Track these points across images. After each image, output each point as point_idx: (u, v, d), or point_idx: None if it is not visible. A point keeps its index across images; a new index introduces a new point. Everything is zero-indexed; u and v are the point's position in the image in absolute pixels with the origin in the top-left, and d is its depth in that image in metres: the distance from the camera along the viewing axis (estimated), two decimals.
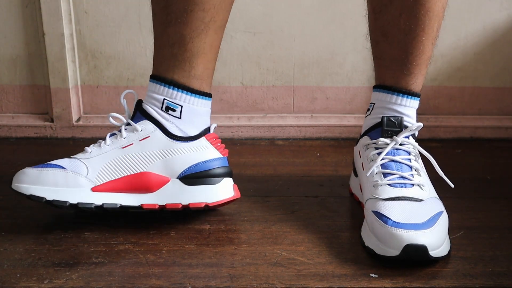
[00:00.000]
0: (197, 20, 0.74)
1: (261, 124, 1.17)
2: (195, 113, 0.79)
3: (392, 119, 0.79)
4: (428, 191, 0.75)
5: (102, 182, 0.76)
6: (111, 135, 0.79)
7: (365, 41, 1.15)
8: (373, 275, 0.67)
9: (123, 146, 0.78)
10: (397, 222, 0.68)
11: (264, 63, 1.16)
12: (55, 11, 1.10)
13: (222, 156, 0.81)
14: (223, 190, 0.80)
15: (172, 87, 0.77)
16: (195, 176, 0.79)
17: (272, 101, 1.17)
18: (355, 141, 0.86)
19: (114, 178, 0.77)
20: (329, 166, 1.02)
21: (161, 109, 0.78)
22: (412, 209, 0.71)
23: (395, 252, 0.67)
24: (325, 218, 0.81)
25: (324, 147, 1.13)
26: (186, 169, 0.78)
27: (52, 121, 1.17)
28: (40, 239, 0.75)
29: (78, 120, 1.18)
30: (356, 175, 0.85)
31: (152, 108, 0.78)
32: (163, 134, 0.78)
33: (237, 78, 1.16)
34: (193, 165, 0.79)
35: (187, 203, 0.78)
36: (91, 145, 0.79)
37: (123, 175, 0.77)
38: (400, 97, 0.80)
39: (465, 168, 1.01)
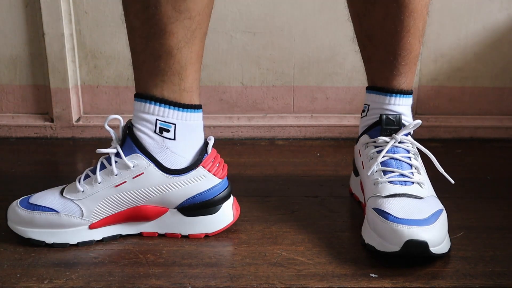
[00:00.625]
0: (184, 29, 0.70)
1: (261, 124, 1.17)
2: (189, 129, 0.75)
3: (390, 117, 0.79)
4: (427, 190, 0.76)
5: (98, 220, 0.74)
6: (101, 169, 0.74)
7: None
8: (373, 275, 0.67)
9: (116, 185, 0.73)
10: (398, 218, 0.68)
11: (264, 63, 1.15)
12: (55, 11, 1.10)
13: (220, 180, 0.77)
14: (222, 218, 0.77)
15: (163, 104, 0.73)
16: (193, 208, 0.76)
17: (272, 101, 1.17)
18: (355, 140, 0.86)
19: (110, 214, 0.75)
20: (329, 166, 1.02)
21: (155, 132, 0.73)
22: (413, 205, 0.71)
23: (395, 247, 0.67)
24: (325, 218, 0.81)
25: (324, 147, 1.13)
26: (184, 201, 0.76)
27: (52, 121, 1.17)
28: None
29: (78, 120, 1.18)
30: (356, 174, 0.85)
31: (144, 134, 0.73)
32: (157, 169, 0.73)
33: (237, 78, 1.16)
34: (191, 197, 0.76)
35: (187, 234, 0.77)
36: (82, 181, 0.74)
37: (119, 211, 0.75)
38: (393, 97, 0.80)
39: (465, 168, 1.01)
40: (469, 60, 1.16)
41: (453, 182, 0.78)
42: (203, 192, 0.76)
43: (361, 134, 0.83)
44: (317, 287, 0.65)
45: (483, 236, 0.76)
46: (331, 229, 0.78)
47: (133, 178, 0.73)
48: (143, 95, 0.73)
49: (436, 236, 0.68)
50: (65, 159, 1.08)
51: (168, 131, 0.73)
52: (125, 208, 0.74)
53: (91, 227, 0.74)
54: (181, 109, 0.73)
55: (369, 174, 0.77)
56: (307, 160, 1.05)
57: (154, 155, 0.73)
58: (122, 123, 0.75)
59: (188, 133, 0.75)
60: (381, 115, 0.79)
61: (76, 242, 0.74)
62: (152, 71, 0.72)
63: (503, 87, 1.18)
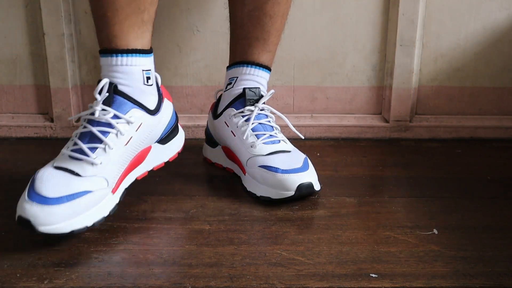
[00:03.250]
0: None
1: None
2: (154, 71, 0.82)
3: (252, 90, 0.93)
4: (289, 143, 0.92)
5: (115, 182, 0.77)
6: (104, 134, 0.76)
7: (365, 41, 1.15)
8: (373, 275, 0.67)
9: (125, 144, 0.77)
10: (285, 169, 0.84)
11: None
12: (55, 11, 1.10)
13: (171, 103, 0.87)
14: (181, 132, 0.91)
15: (145, 54, 0.78)
16: (167, 135, 0.87)
17: (272, 101, 1.17)
18: (216, 115, 0.98)
19: (122, 172, 0.78)
20: (329, 166, 1.02)
21: (144, 83, 0.79)
22: (289, 158, 0.87)
23: (290, 193, 0.83)
24: (325, 218, 0.81)
25: (324, 147, 1.13)
26: (162, 133, 0.85)
27: (52, 121, 1.17)
28: (40, 239, 0.75)
29: (78, 120, 1.18)
30: (213, 146, 1.00)
31: (131, 88, 0.78)
32: (148, 114, 0.80)
33: None
34: (166, 126, 0.86)
35: (168, 159, 0.88)
36: (93, 152, 0.74)
37: (126, 166, 0.79)
38: (261, 71, 0.95)
39: (465, 168, 1.01)
40: (469, 60, 1.16)
41: (303, 137, 0.97)
42: (170, 119, 0.86)
43: (225, 108, 0.96)
44: (317, 287, 0.65)
45: (483, 236, 0.76)
46: (331, 229, 0.78)
47: (136, 131, 0.79)
48: (125, 50, 0.77)
49: (314, 177, 0.86)
50: None
51: (149, 78, 0.80)
52: (130, 161, 0.79)
53: (113, 191, 0.77)
54: (150, 54, 0.80)
55: (244, 138, 0.90)
56: None
57: (145, 104, 0.80)
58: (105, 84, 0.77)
59: (155, 75, 0.83)
60: (244, 89, 0.93)
61: (108, 213, 0.75)
62: (136, 23, 0.77)
63: (503, 87, 1.18)
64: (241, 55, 0.96)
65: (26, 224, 0.69)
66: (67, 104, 1.15)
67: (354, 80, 1.18)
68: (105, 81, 0.76)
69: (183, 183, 0.94)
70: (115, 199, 0.77)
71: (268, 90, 0.96)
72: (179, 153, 0.90)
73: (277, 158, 0.87)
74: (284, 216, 0.82)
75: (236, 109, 0.94)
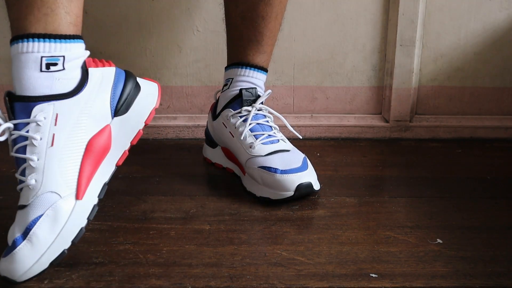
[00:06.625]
0: None
1: None
2: (76, 58, 0.70)
3: (249, 90, 0.93)
4: (288, 142, 0.92)
5: (73, 186, 0.67)
6: (22, 151, 0.66)
7: (365, 41, 1.15)
8: (373, 275, 0.67)
9: (50, 145, 0.66)
10: (284, 170, 0.84)
11: None
12: None
13: (114, 66, 0.74)
14: (147, 85, 0.77)
15: (47, 40, 0.66)
16: (123, 102, 0.73)
17: (272, 101, 1.17)
18: (215, 116, 0.97)
19: (77, 172, 0.67)
20: (329, 166, 1.02)
21: (41, 70, 0.66)
22: (288, 158, 0.87)
23: (290, 193, 0.83)
24: (325, 218, 0.81)
25: (324, 147, 1.13)
26: (112, 103, 0.72)
27: None
28: None
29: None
30: (212, 146, 1.00)
31: (30, 80, 0.66)
32: (66, 99, 0.67)
33: None
34: (112, 95, 0.72)
35: (143, 122, 0.75)
36: (23, 176, 0.67)
37: (79, 162, 0.68)
38: (256, 72, 0.95)
39: (465, 168, 1.01)
40: (469, 60, 1.16)
41: (301, 137, 0.96)
42: (113, 83, 0.73)
43: (222, 109, 0.96)
44: (317, 287, 0.65)
45: (483, 236, 0.76)
46: (331, 229, 0.78)
47: (56, 125, 0.67)
48: (20, 35, 0.65)
49: (313, 177, 0.87)
50: None
51: (55, 64, 0.67)
52: (80, 156, 0.68)
53: (79, 197, 0.67)
54: (64, 40, 0.67)
55: (241, 138, 0.90)
56: None
57: (52, 92, 0.67)
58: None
59: (76, 60, 0.70)
60: (241, 89, 0.93)
61: (86, 221, 0.68)
62: (33, 4, 0.65)
63: (503, 87, 1.18)
64: (236, 56, 0.96)
65: (7, 280, 0.64)
66: None
67: (354, 80, 1.18)
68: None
69: (183, 183, 0.94)
70: (87, 202, 0.68)
71: (267, 90, 0.96)
72: (156, 109, 0.77)
73: (276, 159, 0.87)
74: (284, 216, 0.82)
75: (234, 110, 0.94)
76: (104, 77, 0.72)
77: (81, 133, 0.68)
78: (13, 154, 0.67)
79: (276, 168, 0.84)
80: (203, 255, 0.71)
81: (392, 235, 0.76)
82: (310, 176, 0.85)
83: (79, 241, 0.73)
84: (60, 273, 0.67)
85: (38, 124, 0.66)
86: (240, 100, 0.94)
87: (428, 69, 1.17)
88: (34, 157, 0.66)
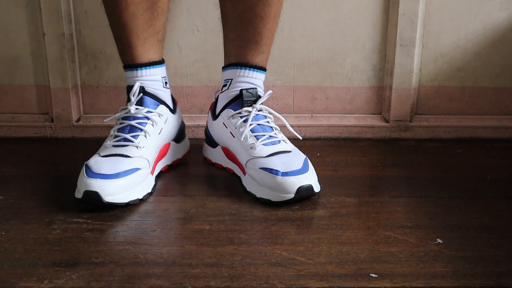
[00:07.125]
0: (166, 6, 0.93)
1: None
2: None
3: (249, 91, 0.93)
4: (289, 143, 0.92)
5: (152, 165, 0.90)
6: (142, 125, 0.91)
7: (365, 41, 1.15)
8: (373, 275, 0.67)
9: (158, 133, 0.93)
10: (285, 172, 0.84)
11: None
12: (55, 11, 1.10)
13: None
14: (186, 137, 1.06)
15: (162, 64, 0.96)
16: (179, 135, 1.01)
17: (272, 101, 1.17)
18: (215, 116, 0.98)
19: (155, 158, 0.92)
20: (329, 166, 1.02)
21: (164, 86, 0.96)
22: (289, 159, 0.87)
23: (290, 195, 0.83)
24: (325, 218, 0.81)
25: (324, 147, 1.13)
26: (177, 132, 1.00)
27: (52, 121, 1.17)
28: (40, 239, 0.75)
29: (78, 120, 1.18)
30: (212, 146, 1.01)
31: (157, 90, 0.94)
32: (170, 113, 0.97)
33: None
34: (180, 126, 1.01)
35: (181, 156, 1.02)
36: (136, 138, 0.89)
37: (157, 154, 0.93)
38: (255, 72, 0.95)
39: (465, 168, 1.01)
40: (469, 60, 1.16)
41: (301, 138, 0.96)
42: (181, 120, 1.03)
43: (222, 109, 0.96)
44: (317, 287, 0.65)
45: (483, 236, 0.76)
46: (331, 229, 0.78)
47: (165, 123, 0.95)
48: (153, 62, 0.94)
49: (314, 179, 0.86)
50: (65, 159, 1.08)
51: (167, 82, 0.97)
52: (159, 150, 0.94)
53: (151, 173, 0.90)
54: (164, 63, 0.97)
55: (242, 139, 0.90)
56: None
57: (167, 103, 0.96)
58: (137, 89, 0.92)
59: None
60: (241, 90, 0.93)
61: (151, 190, 0.88)
62: (153, 43, 0.93)
63: (503, 87, 1.18)
64: (235, 57, 0.96)
65: (93, 196, 0.80)
66: (67, 104, 1.15)
67: (354, 80, 1.18)
68: (137, 85, 0.91)
69: (183, 183, 0.94)
70: (153, 179, 0.91)
71: (266, 90, 0.96)
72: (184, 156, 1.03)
73: (277, 160, 0.86)
74: (284, 216, 0.82)
75: (234, 110, 0.94)
76: (179, 112, 1.02)
77: (166, 138, 0.96)
78: (131, 122, 0.91)
79: (277, 170, 0.84)
80: (203, 255, 0.71)
81: (392, 235, 0.76)
82: (310, 179, 0.85)
83: (79, 241, 0.75)
84: (60, 273, 0.67)
85: (159, 116, 0.94)
86: (240, 101, 0.93)
87: (428, 69, 1.17)
88: (150, 133, 0.91)
